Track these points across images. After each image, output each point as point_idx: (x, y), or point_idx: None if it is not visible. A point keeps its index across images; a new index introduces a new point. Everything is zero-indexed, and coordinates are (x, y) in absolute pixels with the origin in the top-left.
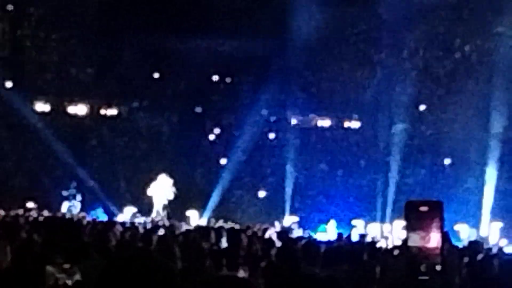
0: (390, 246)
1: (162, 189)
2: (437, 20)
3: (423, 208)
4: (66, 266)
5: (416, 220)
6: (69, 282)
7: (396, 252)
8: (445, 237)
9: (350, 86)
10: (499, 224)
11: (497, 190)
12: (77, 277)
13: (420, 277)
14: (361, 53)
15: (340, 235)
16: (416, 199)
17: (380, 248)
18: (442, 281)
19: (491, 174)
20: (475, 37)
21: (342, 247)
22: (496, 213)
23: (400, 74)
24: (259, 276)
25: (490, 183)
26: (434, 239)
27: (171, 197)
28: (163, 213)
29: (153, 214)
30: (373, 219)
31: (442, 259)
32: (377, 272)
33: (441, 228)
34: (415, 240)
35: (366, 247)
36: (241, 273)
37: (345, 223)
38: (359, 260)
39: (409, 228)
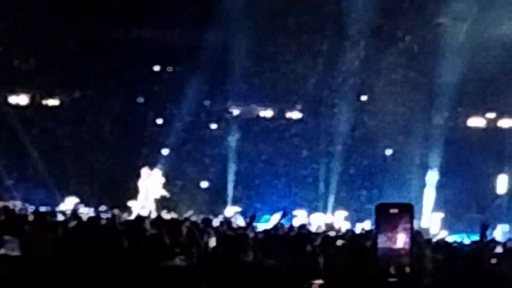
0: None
1: (155, 184)
2: (378, 10)
3: (393, 211)
4: (7, 237)
5: (385, 222)
6: (8, 253)
7: (339, 242)
8: (415, 239)
9: (292, 77)
10: (440, 215)
11: (439, 181)
12: (16, 249)
13: (390, 279)
14: (303, 43)
15: (280, 225)
16: (388, 201)
17: (323, 238)
18: (412, 283)
19: (433, 165)
20: (417, 28)
21: (285, 237)
22: (438, 204)
23: (342, 64)
24: (200, 265)
25: (432, 173)
26: (400, 240)
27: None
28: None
29: (146, 211)
30: (315, 209)
31: (411, 261)
32: (320, 262)
33: (410, 230)
34: (383, 242)
35: (308, 236)
36: (177, 262)
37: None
38: (302, 250)
39: (378, 229)
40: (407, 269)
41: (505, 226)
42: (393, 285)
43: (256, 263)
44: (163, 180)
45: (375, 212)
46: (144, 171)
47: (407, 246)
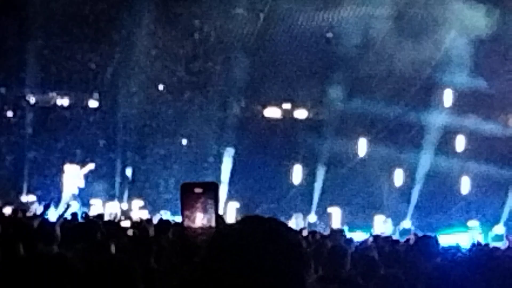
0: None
1: (71, 179)
2: (176, 0)
3: (198, 190)
4: None
5: (188, 201)
6: None
7: (130, 232)
8: (221, 220)
9: (89, 65)
10: (235, 204)
11: (234, 170)
12: None
13: (194, 259)
14: (100, 32)
15: (74, 214)
16: (193, 181)
17: (118, 226)
18: (215, 262)
19: (228, 154)
20: (214, 18)
21: (77, 226)
22: (233, 193)
23: (139, 53)
24: None
25: (227, 163)
26: (199, 219)
27: (82, 185)
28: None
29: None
30: (112, 198)
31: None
32: (112, 250)
33: (215, 209)
34: (186, 221)
35: (101, 225)
36: None
37: (85, 202)
38: (93, 239)
39: (182, 210)
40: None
41: (299, 215)
42: (197, 264)
43: (47, 252)
44: (81, 175)
45: (180, 192)
46: (67, 167)
47: (206, 225)
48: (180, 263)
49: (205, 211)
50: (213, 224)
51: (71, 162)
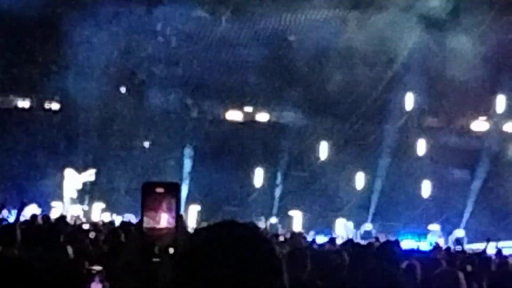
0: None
1: (69, 184)
2: (138, 3)
3: (159, 190)
4: None
5: (150, 201)
6: None
7: (92, 234)
8: (181, 221)
9: (50, 67)
10: (197, 207)
11: (196, 173)
12: None
13: (153, 259)
14: (62, 34)
15: (34, 216)
16: (154, 181)
17: (80, 229)
18: (175, 264)
19: (187, 156)
20: (176, 21)
21: (38, 229)
22: (195, 196)
23: (101, 56)
24: None
25: (187, 165)
26: (164, 220)
27: (80, 186)
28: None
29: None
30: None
31: (176, 242)
32: (69, 253)
33: (176, 209)
34: (148, 222)
35: (64, 228)
36: None
37: (46, 205)
38: (55, 242)
39: (143, 209)
40: (171, 250)
41: (260, 219)
42: (156, 264)
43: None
44: (79, 180)
45: (141, 192)
46: (67, 172)
47: (171, 226)
48: (140, 264)
49: (169, 211)
50: (174, 224)
51: (34, 164)
